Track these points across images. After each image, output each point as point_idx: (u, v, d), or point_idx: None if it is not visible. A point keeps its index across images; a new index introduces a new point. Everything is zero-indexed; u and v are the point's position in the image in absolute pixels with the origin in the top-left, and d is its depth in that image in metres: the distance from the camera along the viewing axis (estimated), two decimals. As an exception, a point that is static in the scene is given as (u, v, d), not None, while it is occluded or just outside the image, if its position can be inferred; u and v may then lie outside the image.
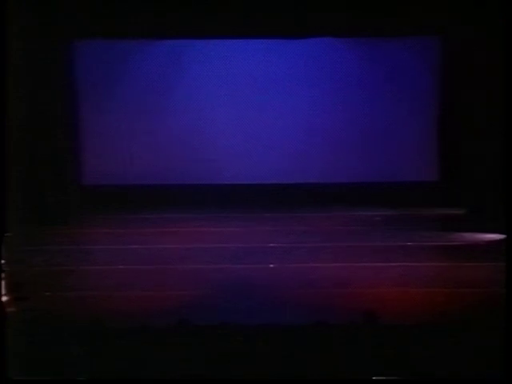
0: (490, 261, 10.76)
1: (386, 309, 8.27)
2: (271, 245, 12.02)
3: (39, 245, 11.65)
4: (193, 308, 8.65)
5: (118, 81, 15.45)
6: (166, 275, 10.35)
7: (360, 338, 6.78)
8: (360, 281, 9.89)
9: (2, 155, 7.38)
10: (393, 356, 6.59)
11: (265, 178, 15.44)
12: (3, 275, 8.92)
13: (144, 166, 15.50)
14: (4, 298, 8.82)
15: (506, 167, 7.27)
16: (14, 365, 6.28)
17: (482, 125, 14.09)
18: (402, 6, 13.86)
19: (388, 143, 15.56)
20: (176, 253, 11.67)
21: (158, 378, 6.30)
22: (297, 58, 15.55)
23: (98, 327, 7.18)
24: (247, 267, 10.59)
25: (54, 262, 10.93)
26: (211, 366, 6.42)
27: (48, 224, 13.23)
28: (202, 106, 15.53)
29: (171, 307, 8.63)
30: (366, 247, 11.88)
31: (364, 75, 15.48)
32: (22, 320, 8.10)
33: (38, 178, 14.06)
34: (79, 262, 11.12)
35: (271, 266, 10.75)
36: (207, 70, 15.49)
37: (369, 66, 15.47)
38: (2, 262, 8.98)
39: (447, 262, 11.15)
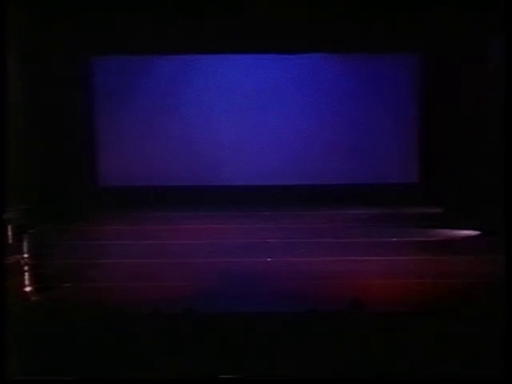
0: (465, 255, 10.77)
1: (372, 298, 8.23)
2: (269, 240, 11.97)
3: (60, 240, 11.58)
4: (198, 297, 8.61)
5: (131, 93, 15.43)
6: (174, 268, 10.30)
7: (347, 324, 6.78)
8: (348, 273, 9.84)
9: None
10: (376, 338, 6.60)
11: (264, 180, 15.41)
12: (27, 268, 8.90)
13: (154, 168, 15.52)
14: (28, 289, 8.82)
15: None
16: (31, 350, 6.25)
17: (457, 132, 14.13)
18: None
19: (375, 150, 15.57)
20: (183, 247, 11.62)
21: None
22: (293, 71, 15.52)
23: (113, 313, 7.17)
24: (247, 260, 10.56)
25: (74, 256, 10.88)
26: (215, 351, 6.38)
27: (68, 221, 13.20)
28: (207, 116, 15.53)
29: (179, 296, 8.59)
30: (353, 243, 11.82)
31: (352, 87, 15.47)
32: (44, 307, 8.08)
33: (60, 180, 14.09)
34: (97, 256, 11.07)
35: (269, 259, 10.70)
36: (212, 83, 15.49)
37: (357, 79, 15.47)
38: (26, 255, 8.97)
39: (427, 255, 11.10)
